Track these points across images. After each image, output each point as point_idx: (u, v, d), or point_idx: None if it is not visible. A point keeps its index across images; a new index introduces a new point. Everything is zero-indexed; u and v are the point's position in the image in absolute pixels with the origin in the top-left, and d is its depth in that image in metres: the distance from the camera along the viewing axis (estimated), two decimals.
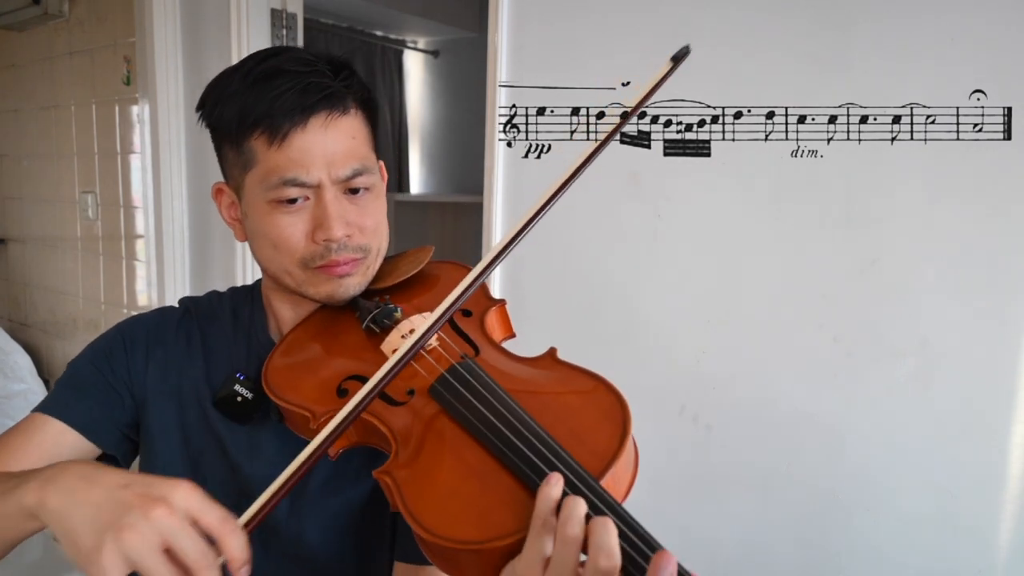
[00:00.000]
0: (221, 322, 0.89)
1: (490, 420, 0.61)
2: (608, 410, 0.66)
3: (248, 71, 0.76)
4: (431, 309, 0.77)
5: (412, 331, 0.73)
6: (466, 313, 0.80)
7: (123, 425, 0.84)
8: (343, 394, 0.71)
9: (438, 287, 0.86)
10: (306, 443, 0.65)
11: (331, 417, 0.64)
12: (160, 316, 0.90)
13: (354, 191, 0.78)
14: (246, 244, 0.84)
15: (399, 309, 0.78)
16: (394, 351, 0.67)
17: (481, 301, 0.83)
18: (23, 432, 0.80)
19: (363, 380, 0.68)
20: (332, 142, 0.75)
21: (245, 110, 0.74)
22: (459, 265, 0.89)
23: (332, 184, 0.76)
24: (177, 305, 0.93)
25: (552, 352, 0.73)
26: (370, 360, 0.74)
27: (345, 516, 0.81)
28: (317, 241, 0.76)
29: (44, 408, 0.81)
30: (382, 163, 0.88)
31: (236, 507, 0.77)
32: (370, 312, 0.78)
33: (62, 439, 0.80)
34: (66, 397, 0.82)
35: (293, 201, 0.75)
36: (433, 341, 0.73)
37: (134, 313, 0.92)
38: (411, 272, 0.85)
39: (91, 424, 0.81)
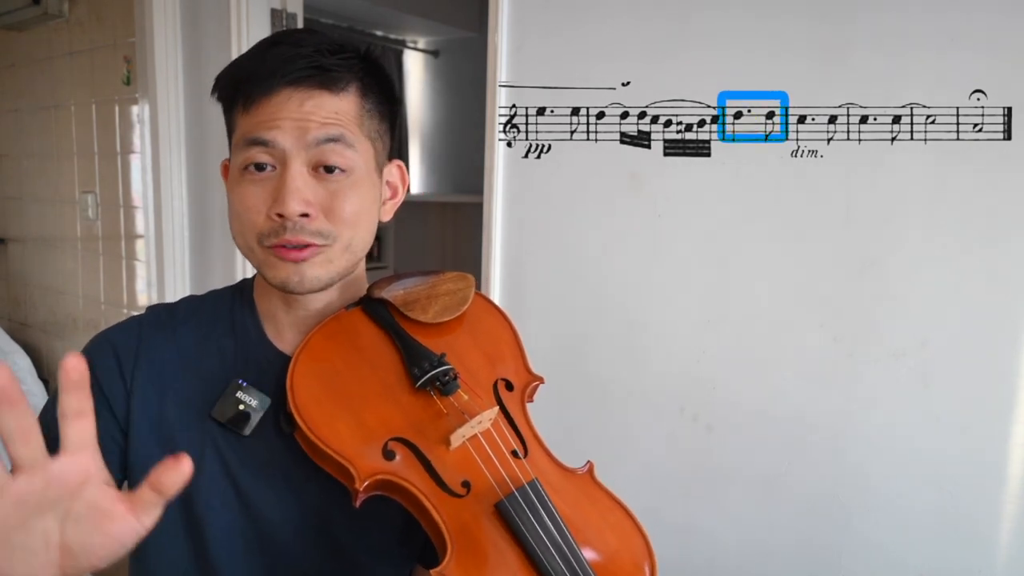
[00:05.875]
0: (205, 326, 0.82)
1: (550, 552, 0.65)
2: (639, 559, 0.71)
3: (259, 42, 0.74)
4: (478, 367, 0.78)
5: (474, 417, 0.70)
6: (509, 387, 0.78)
7: (123, 472, 0.77)
8: (390, 456, 0.68)
9: (481, 336, 0.82)
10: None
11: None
12: (129, 333, 0.80)
13: (328, 169, 0.72)
14: None
15: (457, 378, 0.74)
16: (454, 436, 0.69)
17: (522, 374, 0.80)
18: None
19: (413, 448, 0.69)
20: (308, 112, 0.70)
21: (231, 76, 0.73)
22: (491, 305, 0.85)
23: (301, 151, 0.70)
24: (148, 313, 0.83)
25: (591, 469, 0.75)
26: (423, 427, 0.71)
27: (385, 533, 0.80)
28: (272, 217, 0.71)
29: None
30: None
31: (239, 521, 0.76)
32: (423, 369, 0.73)
33: None
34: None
35: (261, 168, 0.71)
36: (487, 423, 0.72)
37: (134, 314, 0.87)
38: (458, 312, 0.80)
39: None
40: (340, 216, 0.73)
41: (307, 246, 0.71)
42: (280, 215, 0.70)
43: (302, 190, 0.70)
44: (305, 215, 0.71)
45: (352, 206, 0.73)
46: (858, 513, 1.18)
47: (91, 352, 0.79)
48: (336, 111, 0.72)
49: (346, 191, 0.73)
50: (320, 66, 0.71)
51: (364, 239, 0.77)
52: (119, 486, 0.78)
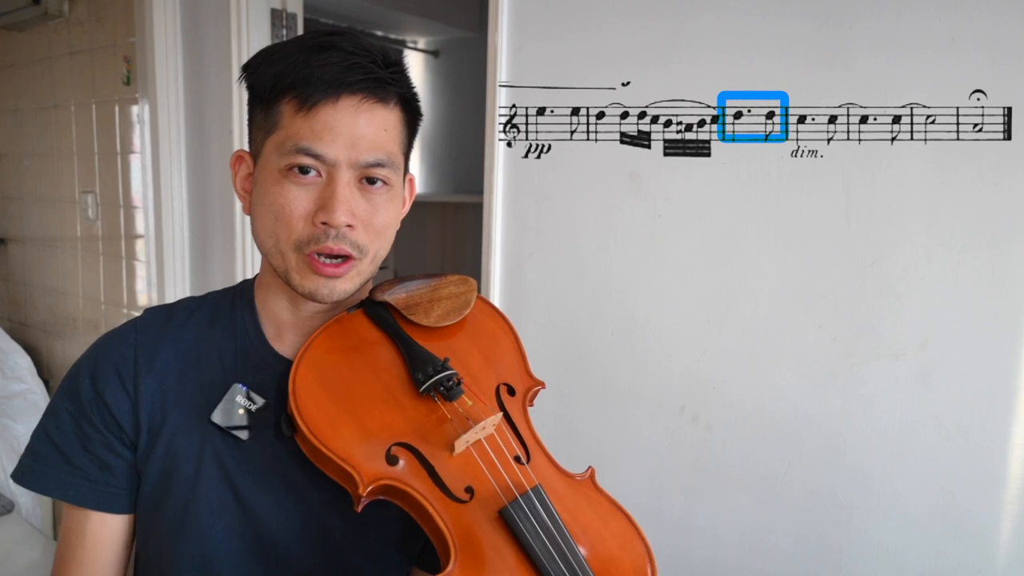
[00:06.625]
0: (204, 328, 0.81)
1: (553, 558, 0.65)
2: (639, 565, 0.72)
3: (303, 40, 0.74)
4: (480, 371, 0.78)
5: (479, 423, 0.70)
6: (511, 391, 0.79)
7: (136, 481, 0.79)
8: (393, 462, 0.68)
9: (483, 341, 0.82)
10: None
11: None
12: (125, 341, 0.80)
13: (371, 181, 0.74)
14: (246, 244, 0.81)
15: (461, 383, 0.73)
16: (458, 442, 0.69)
17: (524, 379, 0.81)
18: (77, 539, 0.78)
19: (416, 453, 0.69)
20: (363, 126, 0.72)
21: (284, 72, 0.73)
22: (493, 309, 0.86)
23: (349, 168, 0.72)
24: (144, 316, 0.83)
25: (592, 475, 0.76)
26: (426, 432, 0.71)
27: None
28: (316, 223, 0.72)
29: (49, 491, 0.77)
30: (412, 177, 0.85)
31: (238, 525, 0.76)
32: (427, 374, 0.73)
33: (109, 527, 0.78)
34: (67, 476, 0.77)
35: (305, 172, 0.72)
36: (491, 429, 0.72)
37: (135, 314, 0.86)
38: (460, 316, 0.81)
39: (106, 500, 0.78)
40: (375, 228, 0.75)
41: (345, 259, 0.73)
42: (325, 223, 0.72)
43: (350, 201, 0.72)
44: (349, 226, 0.72)
45: (384, 218, 0.76)
46: (858, 512, 1.18)
47: (92, 366, 0.79)
48: (386, 127, 0.74)
49: (384, 204, 0.76)
50: (378, 77, 0.73)
51: (387, 249, 0.79)
52: (132, 496, 0.79)
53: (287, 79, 0.72)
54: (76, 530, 0.78)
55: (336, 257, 0.73)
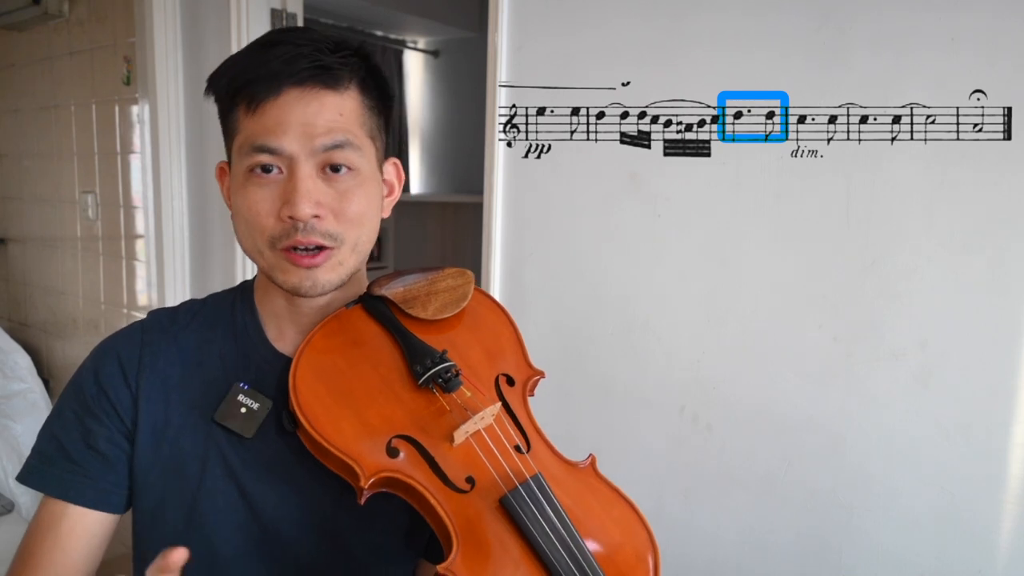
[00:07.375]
0: (206, 329, 0.82)
1: (555, 545, 0.66)
2: (642, 551, 0.71)
3: (255, 42, 0.74)
4: (479, 362, 0.79)
5: (477, 413, 0.71)
6: (510, 382, 0.79)
7: (129, 480, 0.79)
8: (393, 454, 0.69)
9: (481, 332, 0.82)
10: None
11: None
12: (131, 340, 0.81)
13: (335, 169, 0.73)
14: None
15: (459, 375, 0.74)
16: (457, 432, 0.69)
17: (523, 369, 0.81)
18: (49, 528, 0.76)
19: (417, 445, 0.70)
20: (312, 114, 0.71)
21: (235, 77, 0.73)
22: (491, 301, 0.86)
23: (308, 157, 0.71)
24: (149, 318, 0.84)
25: (593, 463, 0.76)
26: (426, 424, 0.72)
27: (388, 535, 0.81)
28: (283, 219, 0.72)
29: (50, 490, 0.77)
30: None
31: (244, 522, 0.77)
32: (425, 366, 0.73)
33: (87, 520, 0.77)
34: (69, 474, 0.77)
35: (268, 171, 0.72)
36: (490, 419, 0.73)
37: (135, 314, 0.87)
38: (458, 309, 0.81)
39: (103, 498, 0.77)
40: (347, 217, 0.74)
41: (320, 249, 0.73)
42: (291, 217, 0.71)
43: (312, 192, 0.71)
44: (316, 216, 0.72)
45: (358, 206, 0.74)
46: (858, 512, 1.18)
47: (96, 361, 0.80)
48: (340, 112, 0.73)
49: (353, 191, 0.74)
50: (323, 65, 0.71)
51: (369, 238, 0.78)
52: (127, 494, 0.80)
53: (236, 83, 0.72)
54: (49, 520, 0.77)
55: (310, 248, 0.73)
